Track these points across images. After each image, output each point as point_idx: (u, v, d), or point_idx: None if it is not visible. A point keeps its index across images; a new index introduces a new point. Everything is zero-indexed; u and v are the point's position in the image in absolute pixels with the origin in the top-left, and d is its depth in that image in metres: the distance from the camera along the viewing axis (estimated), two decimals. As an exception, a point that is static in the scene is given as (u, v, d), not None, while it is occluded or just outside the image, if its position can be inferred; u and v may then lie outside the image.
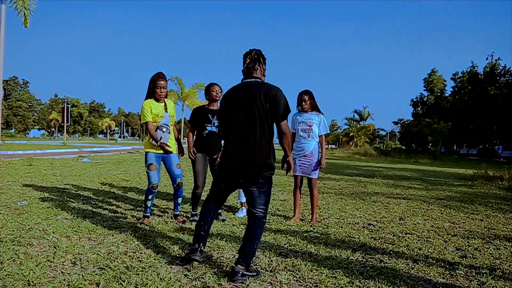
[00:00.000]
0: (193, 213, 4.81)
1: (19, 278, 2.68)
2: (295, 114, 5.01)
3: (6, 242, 3.48)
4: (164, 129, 4.46)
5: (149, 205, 4.57)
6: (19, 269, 2.85)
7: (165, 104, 4.57)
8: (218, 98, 4.79)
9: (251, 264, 2.94)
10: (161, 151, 4.50)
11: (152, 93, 4.48)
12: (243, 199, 5.24)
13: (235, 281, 2.75)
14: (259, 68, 3.15)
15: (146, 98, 4.53)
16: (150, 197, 4.53)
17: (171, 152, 4.52)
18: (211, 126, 4.73)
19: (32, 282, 2.63)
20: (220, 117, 3.32)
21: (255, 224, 2.99)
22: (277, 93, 2.98)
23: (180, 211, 4.92)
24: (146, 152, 4.52)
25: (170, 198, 6.28)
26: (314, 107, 4.91)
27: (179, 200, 4.76)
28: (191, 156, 4.78)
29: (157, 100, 4.51)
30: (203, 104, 5.08)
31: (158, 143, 4.41)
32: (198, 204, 4.87)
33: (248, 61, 3.13)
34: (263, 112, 2.95)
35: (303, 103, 4.86)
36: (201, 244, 3.06)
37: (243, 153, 2.98)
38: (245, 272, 2.82)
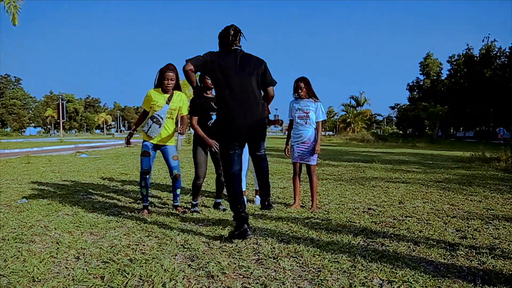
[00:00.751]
0: (194, 203, 4.81)
1: (24, 275, 2.69)
2: (292, 101, 5.00)
3: (8, 240, 3.49)
4: (154, 120, 4.47)
5: (144, 193, 4.62)
6: (23, 266, 2.86)
7: (171, 96, 4.52)
8: (212, 86, 4.58)
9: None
10: (155, 141, 4.57)
11: (160, 84, 4.50)
12: (257, 187, 5.32)
13: (269, 208, 3.69)
14: (240, 40, 3.53)
15: (154, 87, 4.59)
16: (143, 183, 4.59)
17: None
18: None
19: (37, 278, 2.64)
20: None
21: (264, 161, 3.67)
22: (264, 61, 3.56)
23: (180, 202, 4.94)
24: (143, 141, 4.64)
25: (170, 190, 6.29)
26: (311, 94, 4.89)
27: (178, 191, 4.78)
28: (215, 149, 4.58)
29: (165, 92, 4.50)
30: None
31: (131, 130, 4.97)
32: (199, 195, 4.89)
33: (232, 33, 3.46)
34: (259, 79, 3.49)
35: (299, 90, 4.84)
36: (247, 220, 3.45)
37: (250, 117, 3.39)
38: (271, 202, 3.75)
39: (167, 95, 4.52)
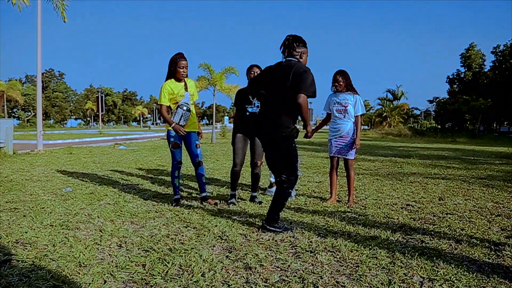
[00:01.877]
0: (231, 193, 4.88)
1: (71, 260, 2.82)
2: (330, 95, 4.95)
3: (56, 226, 3.67)
4: (185, 108, 4.56)
5: (177, 184, 4.70)
6: (70, 251, 3.00)
7: (185, 84, 4.63)
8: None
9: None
10: (185, 129, 4.60)
11: (174, 73, 4.54)
12: (273, 179, 5.40)
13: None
14: (291, 51, 3.57)
15: (166, 79, 4.60)
16: (176, 173, 4.67)
17: (187, 133, 4.63)
18: (252, 107, 4.73)
19: (83, 263, 2.76)
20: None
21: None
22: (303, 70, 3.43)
23: (212, 193, 4.99)
24: (168, 130, 4.62)
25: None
26: (349, 87, 4.80)
27: (203, 178, 4.82)
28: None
29: (179, 80, 4.59)
30: (242, 87, 5.07)
31: (172, 126, 4.52)
32: (237, 185, 4.94)
33: (281, 46, 3.60)
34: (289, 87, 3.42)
35: (337, 84, 4.79)
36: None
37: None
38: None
39: (182, 83, 4.61)
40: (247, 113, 4.75)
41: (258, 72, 4.68)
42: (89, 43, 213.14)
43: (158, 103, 4.66)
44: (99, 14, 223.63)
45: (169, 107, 4.65)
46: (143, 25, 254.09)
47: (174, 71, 4.53)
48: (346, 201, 4.88)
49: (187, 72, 4.62)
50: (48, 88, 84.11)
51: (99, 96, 36.54)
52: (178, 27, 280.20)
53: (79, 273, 2.59)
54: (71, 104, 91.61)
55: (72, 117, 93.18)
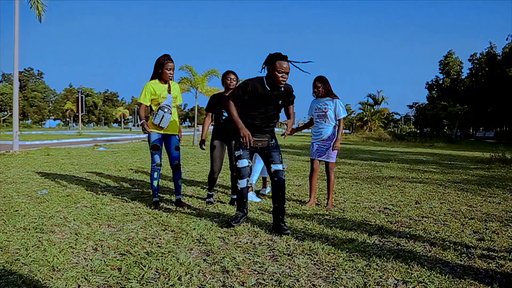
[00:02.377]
0: (209, 193, 5.01)
1: (44, 264, 2.76)
2: (312, 100, 5.05)
3: (29, 229, 3.58)
4: (166, 110, 4.53)
5: (156, 186, 4.66)
6: (44, 255, 2.94)
7: (169, 86, 4.62)
8: (232, 86, 4.77)
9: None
10: (163, 132, 4.59)
11: (160, 74, 4.52)
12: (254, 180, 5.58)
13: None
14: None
15: (151, 79, 4.57)
16: (155, 175, 4.64)
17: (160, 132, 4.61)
18: None
19: (57, 267, 2.71)
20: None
21: None
22: None
23: (184, 197, 5.03)
24: (149, 133, 4.56)
25: (186, 184, 6.35)
26: (329, 92, 4.88)
27: (180, 181, 4.81)
28: (202, 147, 4.98)
29: (164, 82, 4.57)
30: (219, 92, 5.15)
31: (141, 122, 4.48)
32: (214, 186, 5.04)
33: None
34: None
35: (316, 90, 4.89)
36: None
37: None
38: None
39: (166, 85, 4.59)
40: (223, 118, 4.80)
41: (234, 78, 4.78)
42: (69, 43, 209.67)
43: (138, 101, 4.63)
44: (80, 14, 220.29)
45: (150, 107, 4.62)
46: (126, 25, 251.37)
47: (161, 72, 4.50)
48: (325, 204, 4.93)
49: (174, 74, 4.62)
50: (27, 88, 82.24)
51: (79, 97, 35.97)
52: (160, 28, 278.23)
53: (52, 278, 2.54)
54: (50, 104, 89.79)
55: (51, 117, 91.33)
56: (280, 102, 3.80)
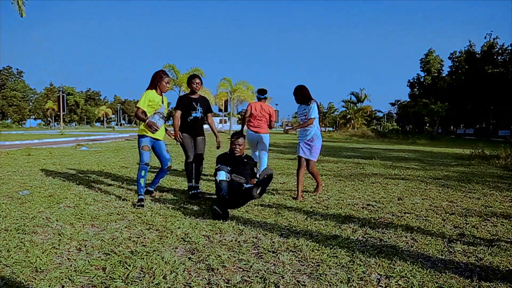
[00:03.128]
0: (189, 185, 5.39)
1: (27, 265, 2.73)
2: (298, 106, 5.66)
3: (11, 230, 3.53)
4: (161, 116, 4.94)
5: (142, 184, 4.84)
6: (26, 256, 2.90)
7: (162, 98, 5.04)
8: (197, 90, 5.40)
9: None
10: (154, 136, 4.93)
11: (156, 86, 4.92)
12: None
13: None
14: None
15: (148, 88, 4.93)
16: (143, 173, 4.86)
17: (159, 138, 5.02)
18: (196, 112, 5.36)
19: (40, 268, 2.68)
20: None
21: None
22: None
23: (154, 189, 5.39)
24: (141, 136, 4.92)
25: (170, 184, 6.33)
26: (307, 98, 5.43)
27: (161, 180, 5.46)
28: (179, 139, 5.34)
29: (159, 93, 4.98)
30: (183, 94, 5.63)
31: (147, 121, 4.80)
32: (192, 177, 5.41)
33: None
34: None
35: (296, 97, 5.52)
36: None
37: None
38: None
39: (161, 97, 5.00)
40: (191, 117, 5.34)
41: (199, 83, 5.36)
42: (49, 41, 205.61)
43: (136, 106, 4.95)
44: (61, 12, 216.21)
45: (144, 112, 4.91)
46: (108, 24, 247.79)
47: (160, 85, 4.92)
48: (313, 191, 5.66)
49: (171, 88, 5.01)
50: (5, 87, 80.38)
51: (61, 96, 35.30)
52: (143, 27, 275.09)
53: (35, 279, 2.51)
54: (30, 104, 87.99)
55: (31, 117, 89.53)
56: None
